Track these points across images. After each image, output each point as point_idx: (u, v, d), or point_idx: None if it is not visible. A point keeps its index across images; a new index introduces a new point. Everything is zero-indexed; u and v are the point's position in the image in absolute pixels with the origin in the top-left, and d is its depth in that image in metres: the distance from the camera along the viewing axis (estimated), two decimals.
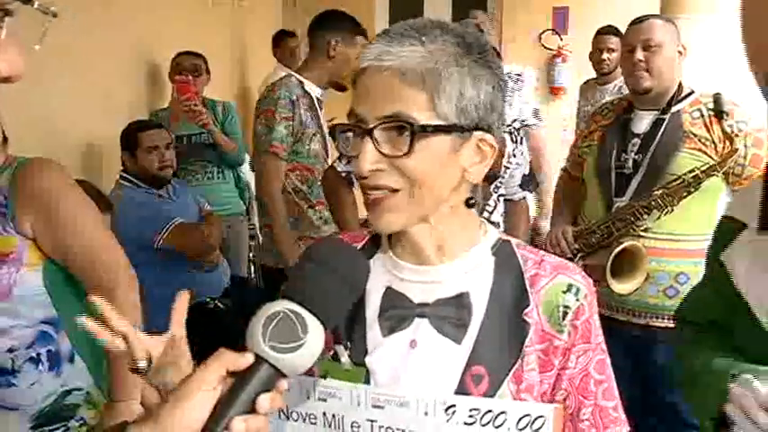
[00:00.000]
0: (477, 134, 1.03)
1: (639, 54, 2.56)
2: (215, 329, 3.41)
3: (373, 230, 1.16)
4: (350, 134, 1.05)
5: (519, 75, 3.20)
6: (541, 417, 0.95)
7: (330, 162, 3.13)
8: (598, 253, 2.64)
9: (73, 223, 1.77)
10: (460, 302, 1.06)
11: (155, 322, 3.44)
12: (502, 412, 0.95)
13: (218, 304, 3.54)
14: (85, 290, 1.89)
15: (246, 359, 0.89)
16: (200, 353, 3.13)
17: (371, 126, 0.99)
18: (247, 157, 4.37)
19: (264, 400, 0.88)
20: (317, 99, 3.17)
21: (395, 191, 1.01)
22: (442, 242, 1.07)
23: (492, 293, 1.06)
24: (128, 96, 4.09)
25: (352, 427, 1.04)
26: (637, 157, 2.59)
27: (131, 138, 3.45)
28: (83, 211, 1.81)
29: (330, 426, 1.06)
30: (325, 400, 1.05)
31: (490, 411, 0.96)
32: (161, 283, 3.31)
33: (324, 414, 1.06)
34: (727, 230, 1.24)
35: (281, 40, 5.37)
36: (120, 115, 3.88)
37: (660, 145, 2.55)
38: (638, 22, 2.62)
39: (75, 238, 1.77)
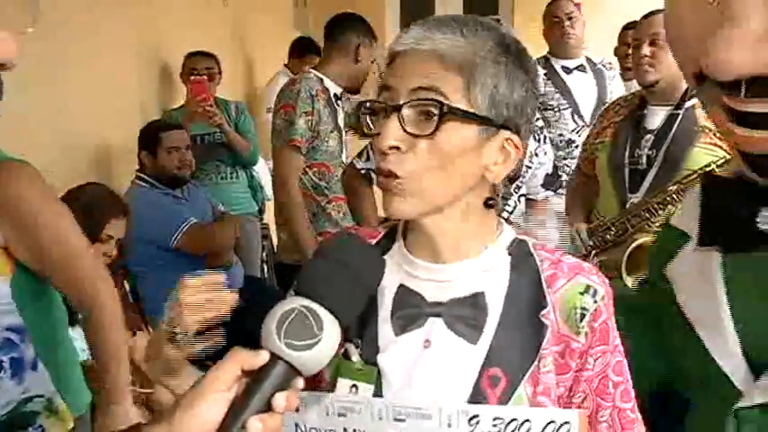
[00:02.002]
0: (505, 133, 1.02)
1: (646, 49, 2.56)
2: (229, 329, 3.43)
3: (388, 225, 1.15)
4: (370, 117, 1.05)
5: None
6: (567, 423, 0.93)
7: (348, 159, 3.15)
8: (613, 249, 2.64)
9: (52, 231, 1.76)
10: (476, 302, 1.04)
11: None
12: (526, 420, 0.93)
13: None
14: (65, 297, 1.92)
15: (261, 357, 0.88)
16: (215, 352, 3.15)
17: (401, 102, 0.99)
18: (260, 158, 4.40)
19: (281, 399, 0.87)
20: (336, 96, 3.19)
21: (411, 176, 1.00)
22: (458, 239, 1.06)
23: (508, 293, 1.05)
24: (140, 96, 4.11)
25: None
26: (651, 152, 2.59)
27: (152, 137, 3.48)
28: (61, 219, 1.81)
29: None
30: (344, 415, 1.02)
31: (515, 420, 0.94)
32: (175, 283, 3.35)
33: (344, 430, 1.03)
34: (671, 241, 1.20)
35: (303, 53, 5.25)
36: (133, 115, 3.91)
37: (674, 140, 2.54)
38: (648, 15, 2.62)
39: (55, 246, 1.76)
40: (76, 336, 2.50)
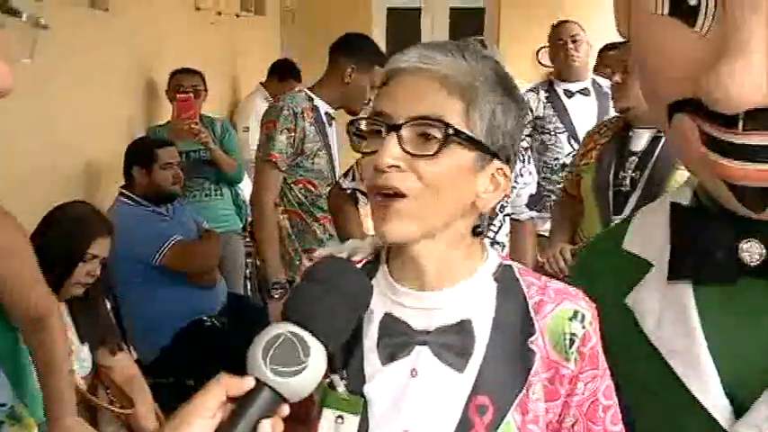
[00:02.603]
0: (497, 163, 1.02)
1: (617, 77, 2.60)
2: (212, 347, 3.43)
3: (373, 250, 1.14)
4: (359, 138, 1.04)
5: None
6: None
7: (336, 179, 3.14)
8: None
9: (8, 254, 1.79)
10: (462, 330, 1.03)
11: (151, 338, 3.46)
12: None
13: (215, 322, 3.55)
14: (13, 316, 1.96)
15: (247, 383, 0.87)
16: (198, 370, 3.14)
17: (401, 122, 0.97)
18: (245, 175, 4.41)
19: (266, 427, 0.86)
20: (327, 114, 3.18)
21: (405, 196, 0.98)
22: (445, 266, 1.04)
23: (495, 320, 1.03)
24: (126, 112, 4.10)
25: None
26: (635, 174, 2.60)
27: (147, 153, 3.49)
28: (18, 242, 1.84)
29: None
30: None
31: None
32: (160, 301, 3.36)
33: None
34: (629, 269, 1.16)
35: (284, 76, 5.19)
36: (119, 131, 3.90)
37: (658, 162, 2.56)
38: (619, 45, 2.66)
39: (10, 268, 1.80)
40: None
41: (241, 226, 4.47)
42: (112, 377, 2.68)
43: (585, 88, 3.88)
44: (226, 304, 3.68)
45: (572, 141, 3.79)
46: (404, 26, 7.01)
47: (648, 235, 1.16)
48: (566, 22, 4.03)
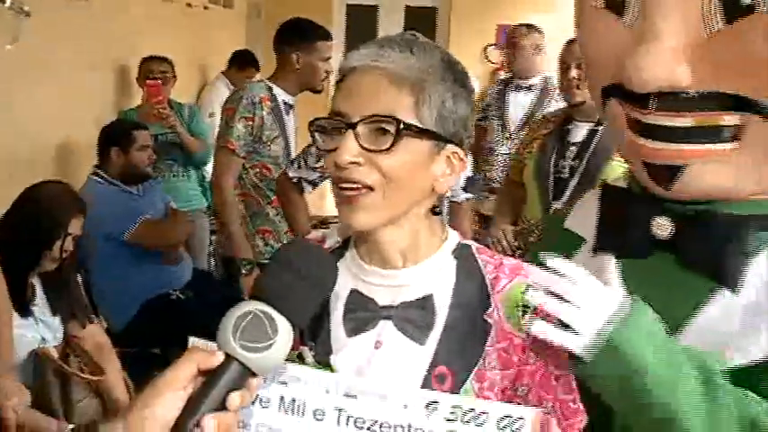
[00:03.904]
0: (451, 147, 1.02)
1: (573, 72, 2.61)
2: (178, 319, 3.39)
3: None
4: (322, 135, 1.03)
5: None
6: (521, 419, 0.91)
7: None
8: None
9: None
10: (424, 305, 1.04)
11: (120, 310, 3.41)
12: (483, 412, 0.92)
13: (181, 295, 3.52)
14: None
15: (217, 358, 0.87)
16: (164, 341, 3.11)
17: (356, 120, 0.97)
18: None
19: (235, 398, 0.86)
20: (286, 104, 3.14)
21: (369, 188, 0.98)
22: (408, 247, 1.05)
23: (454, 296, 1.04)
24: (98, 97, 4.02)
25: (314, 414, 0.97)
26: (573, 163, 2.64)
27: (125, 135, 3.43)
28: None
29: (287, 411, 0.98)
30: (285, 384, 0.98)
31: (472, 410, 0.92)
32: (129, 275, 3.32)
33: (281, 398, 0.98)
34: (567, 243, 1.21)
35: (244, 66, 5.20)
36: (91, 115, 3.81)
37: (594, 153, 2.60)
38: (573, 41, 2.66)
39: None
40: (28, 324, 2.43)
41: (206, 205, 4.43)
42: (83, 346, 2.63)
43: (532, 84, 3.90)
44: (191, 279, 3.65)
45: (502, 130, 3.83)
46: (362, 22, 6.98)
47: (584, 214, 1.22)
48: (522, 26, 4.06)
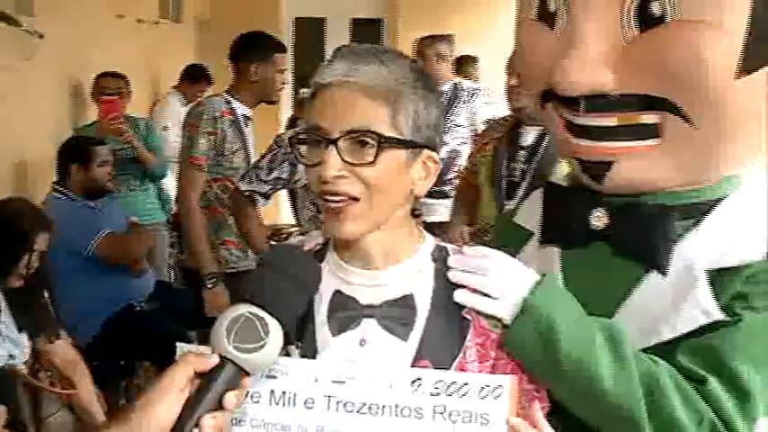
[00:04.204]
0: (426, 152, 1.05)
1: (514, 80, 2.68)
2: (144, 331, 3.37)
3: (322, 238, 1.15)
4: (304, 146, 1.05)
5: None
6: (500, 386, 0.96)
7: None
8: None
9: None
10: (406, 303, 1.06)
11: (86, 323, 3.35)
12: (465, 384, 0.96)
13: (145, 307, 3.49)
14: None
15: (212, 360, 0.89)
16: (130, 353, 3.07)
17: (337, 136, 0.99)
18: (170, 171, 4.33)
19: (231, 397, 0.89)
20: (244, 116, 3.15)
21: (355, 199, 1.01)
22: (389, 249, 1.07)
23: (434, 294, 1.07)
24: (53, 113, 3.96)
25: (305, 403, 0.99)
26: (524, 166, 2.71)
27: (85, 151, 3.40)
28: None
29: (278, 403, 0.99)
30: (274, 377, 0.99)
31: (455, 383, 0.96)
32: (93, 288, 3.28)
33: (272, 392, 0.99)
34: (516, 237, 1.27)
35: (195, 79, 5.22)
36: (45, 132, 3.76)
37: (543, 156, 2.67)
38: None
39: None
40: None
41: (165, 218, 4.39)
42: (53, 362, 2.60)
43: (441, 92, 3.99)
44: (154, 291, 3.62)
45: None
46: (309, 35, 7.00)
47: (532, 210, 1.27)
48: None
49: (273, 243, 4.19)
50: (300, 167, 2.54)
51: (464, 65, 5.85)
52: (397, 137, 1.00)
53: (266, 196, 2.77)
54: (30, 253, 2.48)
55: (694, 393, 1.03)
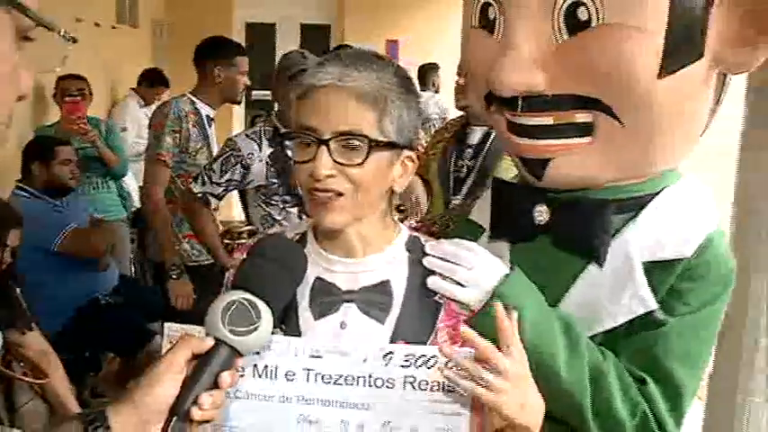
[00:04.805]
0: (406, 152, 1.09)
1: (460, 80, 2.76)
2: (109, 323, 3.36)
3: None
4: (297, 141, 1.07)
5: None
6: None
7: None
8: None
9: None
10: (383, 289, 1.10)
11: (54, 317, 3.33)
12: (433, 356, 0.99)
13: (110, 300, 3.49)
14: None
15: (208, 343, 0.93)
16: (96, 345, 3.07)
17: (328, 137, 1.02)
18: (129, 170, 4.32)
19: (226, 377, 0.92)
20: (207, 117, 3.18)
21: (340, 194, 1.04)
22: (369, 238, 1.11)
23: (408, 281, 1.11)
24: (15, 114, 3.87)
25: (286, 376, 1.02)
26: (470, 163, 2.78)
27: (47, 150, 3.38)
28: None
29: (261, 376, 1.02)
30: (258, 353, 1.01)
31: (423, 356, 1.00)
32: (60, 283, 3.26)
33: (255, 366, 1.02)
34: (469, 232, 1.26)
35: (153, 83, 5.21)
36: (8, 133, 3.68)
37: (488, 153, 2.74)
38: None
39: None
40: None
41: (125, 215, 4.36)
42: (25, 353, 2.58)
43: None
44: (117, 284, 3.61)
45: None
46: (260, 39, 6.99)
47: (484, 206, 1.30)
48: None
49: (227, 241, 4.21)
50: (253, 169, 2.61)
51: (426, 73, 5.94)
52: (384, 140, 1.04)
53: (219, 197, 2.78)
54: (2, 248, 2.47)
55: (634, 387, 1.08)
